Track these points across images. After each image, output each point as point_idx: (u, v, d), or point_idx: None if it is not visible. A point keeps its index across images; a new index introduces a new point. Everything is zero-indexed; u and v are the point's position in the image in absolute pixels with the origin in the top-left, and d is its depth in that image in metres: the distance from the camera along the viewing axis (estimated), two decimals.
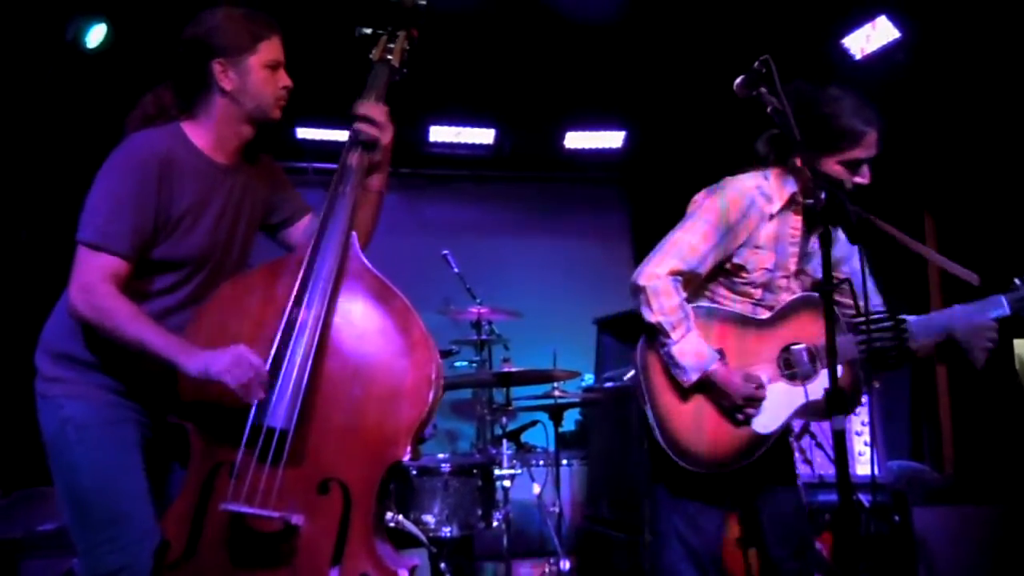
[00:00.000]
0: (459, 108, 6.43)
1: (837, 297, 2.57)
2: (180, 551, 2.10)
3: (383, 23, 2.47)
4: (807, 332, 2.69)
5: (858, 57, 5.00)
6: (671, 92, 5.90)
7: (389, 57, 2.44)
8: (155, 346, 2.10)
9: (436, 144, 6.66)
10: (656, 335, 2.64)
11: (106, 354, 2.22)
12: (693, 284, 2.72)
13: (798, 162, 2.65)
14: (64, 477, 2.22)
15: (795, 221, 2.73)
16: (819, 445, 4.30)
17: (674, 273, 2.63)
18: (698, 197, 2.77)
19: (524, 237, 7.15)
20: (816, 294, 2.70)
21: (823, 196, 2.41)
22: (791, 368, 2.69)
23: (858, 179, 2.65)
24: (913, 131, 5.23)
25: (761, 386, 2.63)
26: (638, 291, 2.65)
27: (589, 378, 5.94)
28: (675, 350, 2.60)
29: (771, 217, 2.69)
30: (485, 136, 6.70)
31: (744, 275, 2.72)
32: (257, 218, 2.46)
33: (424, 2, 2.45)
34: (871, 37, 4.93)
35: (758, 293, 2.74)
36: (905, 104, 5.12)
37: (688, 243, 2.65)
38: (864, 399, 4.39)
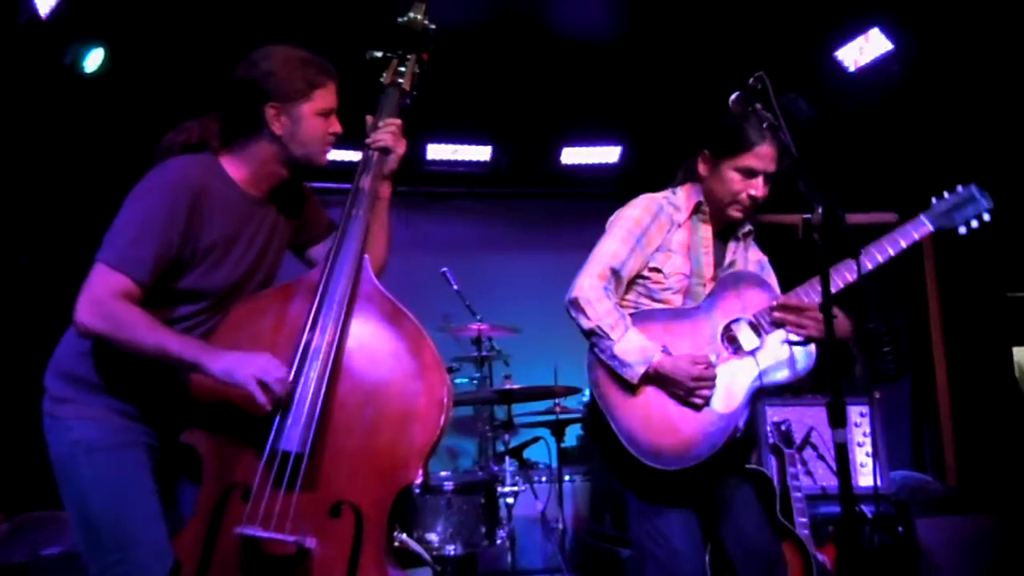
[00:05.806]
0: (456, 126, 6.42)
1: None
2: (192, 574, 2.10)
3: (394, 47, 2.50)
4: (742, 307, 2.76)
5: (852, 69, 5.04)
6: (667, 106, 5.91)
7: (400, 80, 2.47)
8: (175, 348, 2.07)
9: (433, 162, 6.66)
10: (598, 341, 2.66)
11: (116, 376, 2.21)
12: (618, 294, 2.76)
13: (701, 171, 2.80)
14: (75, 500, 2.21)
15: (705, 230, 2.83)
16: (821, 457, 4.32)
17: (602, 278, 2.70)
18: (612, 216, 2.87)
19: (523, 253, 7.14)
20: (735, 271, 2.84)
21: (820, 210, 2.35)
22: (736, 343, 2.73)
23: (752, 190, 2.72)
24: (906, 141, 5.27)
25: (710, 365, 2.64)
26: (572, 305, 2.70)
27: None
28: (617, 349, 2.62)
29: (680, 225, 2.80)
30: (482, 153, 6.70)
31: (662, 279, 2.77)
32: (285, 244, 2.48)
33: (434, 26, 2.47)
34: (864, 49, 4.98)
35: (678, 300, 2.79)
36: (899, 115, 5.16)
37: (609, 250, 2.74)
38: (865, 410, 4.45)
